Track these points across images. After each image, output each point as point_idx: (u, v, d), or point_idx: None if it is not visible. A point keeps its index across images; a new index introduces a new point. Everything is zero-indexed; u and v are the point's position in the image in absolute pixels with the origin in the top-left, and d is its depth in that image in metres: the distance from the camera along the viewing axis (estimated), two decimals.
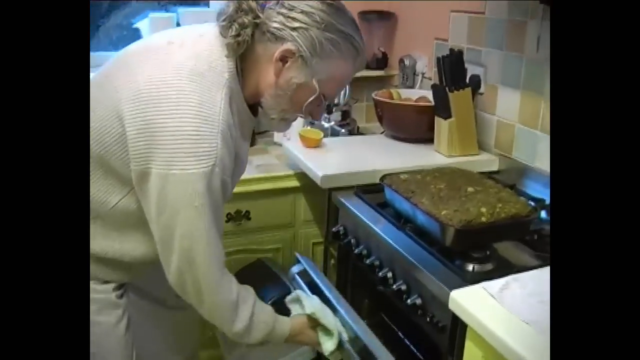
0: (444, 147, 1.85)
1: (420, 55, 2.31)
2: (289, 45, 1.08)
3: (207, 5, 2.39)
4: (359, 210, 1.55)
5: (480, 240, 1.26)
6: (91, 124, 1.08)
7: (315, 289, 1.40)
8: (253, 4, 1.09)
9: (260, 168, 1.92)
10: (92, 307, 1.14)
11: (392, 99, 2.06)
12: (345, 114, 2.18)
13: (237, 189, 1.31)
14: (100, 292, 1.18)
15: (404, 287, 1.31)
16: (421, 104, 2.00)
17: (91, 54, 1.24)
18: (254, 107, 1.20)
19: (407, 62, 2.33)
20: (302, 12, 1.07)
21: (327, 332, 1.29)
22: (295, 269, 1.52)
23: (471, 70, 1.92)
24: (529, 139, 1.74)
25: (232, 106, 1.10)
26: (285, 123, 1.23)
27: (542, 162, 1.69)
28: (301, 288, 1.42)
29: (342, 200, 1.62)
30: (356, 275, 1.64)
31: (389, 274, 1.36)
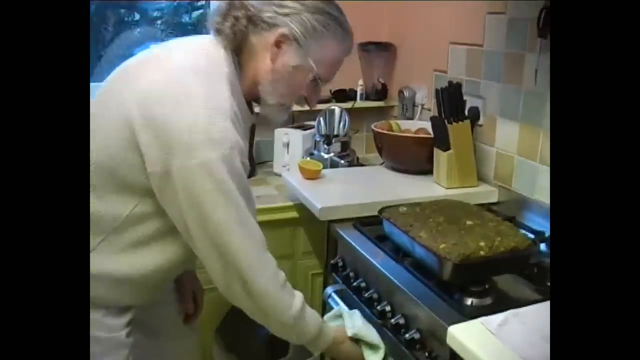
0: (444, 178, 1.85)
1: (419, 86, 2.32)
2: (283, 30, 1.16)
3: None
4: (357, 243, 1.54)
5: (478, 274, 1.25)
6: (98, 140, 1.10)
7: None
8: (245, 2, 1.17)
9: (260, 199, 1.91)
10: (98, 349, 1.11)
11: (392, 130, 2.06)
12: (345, 145, 2.18)
13: None
14: (110, 331, 1.17)
15: (402, 321, 1.29)
16: (420, 135, 2.00)
17: (92, 83, 1.25)
18: (250, 104, 1.26)
19: (406, 93, 2.34)
20: None
21: (371, 346, 1.30)
22: (330, 289, 1.55)
23: (470, 102, 1.93)
24: (529, 170, 1.74)
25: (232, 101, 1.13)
26: (283, 110, 1.27)
27: (542, 194, 1.69)
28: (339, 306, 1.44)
29: (341, 232, 1.61)
30: (354, 307, 1.62)
31: (387, 307, 1.35)
